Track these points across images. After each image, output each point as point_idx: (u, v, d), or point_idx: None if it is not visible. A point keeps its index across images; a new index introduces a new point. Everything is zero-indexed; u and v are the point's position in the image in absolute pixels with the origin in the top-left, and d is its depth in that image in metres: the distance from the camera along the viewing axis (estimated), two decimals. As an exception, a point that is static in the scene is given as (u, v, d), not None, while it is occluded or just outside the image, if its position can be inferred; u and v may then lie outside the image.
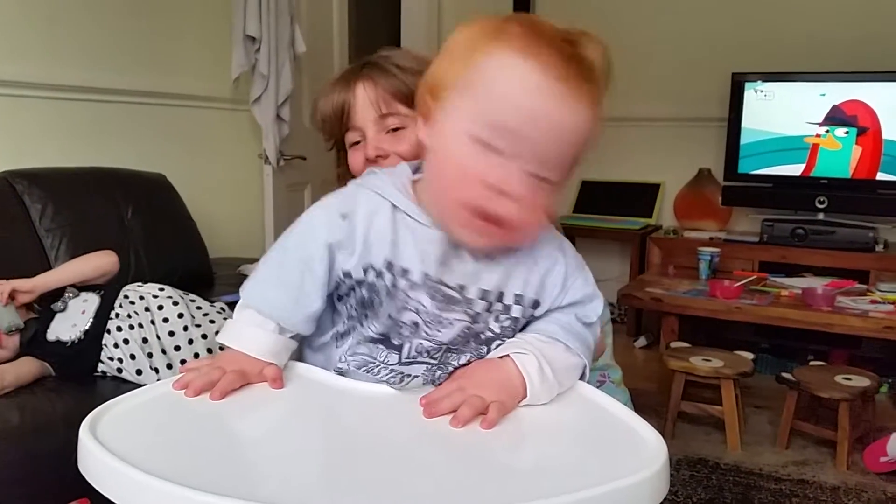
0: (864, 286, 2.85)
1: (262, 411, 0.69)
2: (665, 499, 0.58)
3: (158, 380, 1.58)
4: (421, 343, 0.72)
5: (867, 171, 3.13)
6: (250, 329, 0.73)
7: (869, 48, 3.17)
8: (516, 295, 0.72)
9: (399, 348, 0.72)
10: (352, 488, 0.55)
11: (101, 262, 1.80)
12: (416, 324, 0.71)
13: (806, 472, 2.18)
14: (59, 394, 1.57)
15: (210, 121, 2.92)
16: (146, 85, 2.61)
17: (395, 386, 0.73)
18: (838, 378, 2.26)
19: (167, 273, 2.11)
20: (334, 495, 0.54)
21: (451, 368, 0.73)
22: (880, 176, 3.12)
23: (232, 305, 1.88)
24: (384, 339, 0.73)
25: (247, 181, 3.07)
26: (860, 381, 2.24)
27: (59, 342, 1.65)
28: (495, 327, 0.73)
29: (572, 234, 3.50)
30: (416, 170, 0.75)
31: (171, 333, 1.67)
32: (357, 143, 1.07)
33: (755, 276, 2.96)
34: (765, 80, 3.28)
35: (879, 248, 3.07)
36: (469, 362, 0.73)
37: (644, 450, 0.62)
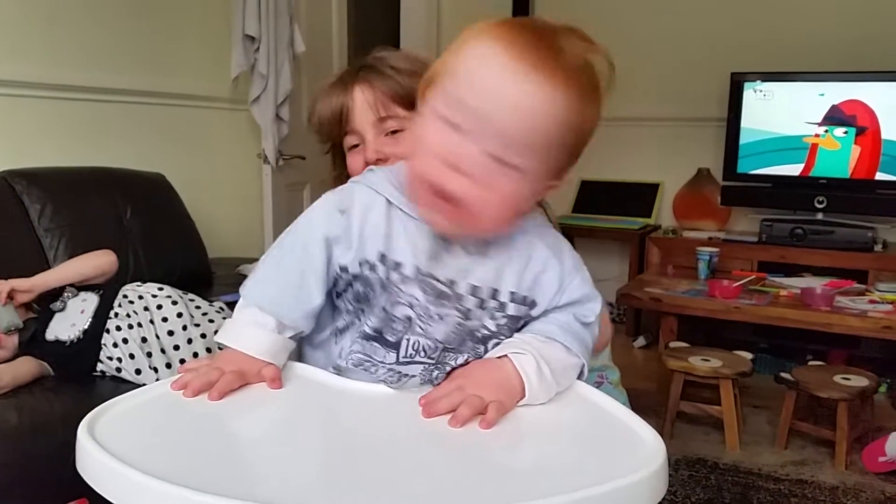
0: (863, 286, 2.85)
1: (260, 412, 0.69)
2: (664, 499, 0.58)
3: (157, 379, 1.59)
4: (417, 341, 0.72)
5: (866, 170, 3.14)
6: (249, 329, 0.73)
7: (868, 48, 3.18)
8: (511, 293, 0.73)
9: (396, 347, 0.73)
10: (350, 488, 0.55)
11: (100, 262, 1.80)
12: (409, 318, 0.72)
13: (804, 471, 2.18)
14: (57, 394, 1.57)
15: (209, 120, 2.92)
16: (145, 85, 2.61)
17: (393, 385, 0.73)
18: (837, 378, 2.26)
19: (166, 273, 2.11)
20: (333, 495, 0.54)
21: (448, 368, 0.73)
22: (879, 176, 3.12)
23: (231, 305, 1.89)
24: (380, 337, 0.73)
25: (246, 181, 3.07)
26: (859, 381, 2.24)
27: (57, 342, 1.65)
28: (491, 325, 0.73)
29: (571, 233, 3.50)
30: None
31: (171, 333, 1.67)
32: (356, 146, 1.07)
33: (754, 276, 2.96)
34: (764, 80, 3.28)
35: (878, 247, 3.07)
36: (467, 362, 0.73)
37: (642, 449, 0.62)
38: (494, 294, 0.72)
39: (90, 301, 1.71)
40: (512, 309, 0.73)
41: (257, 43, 2.80)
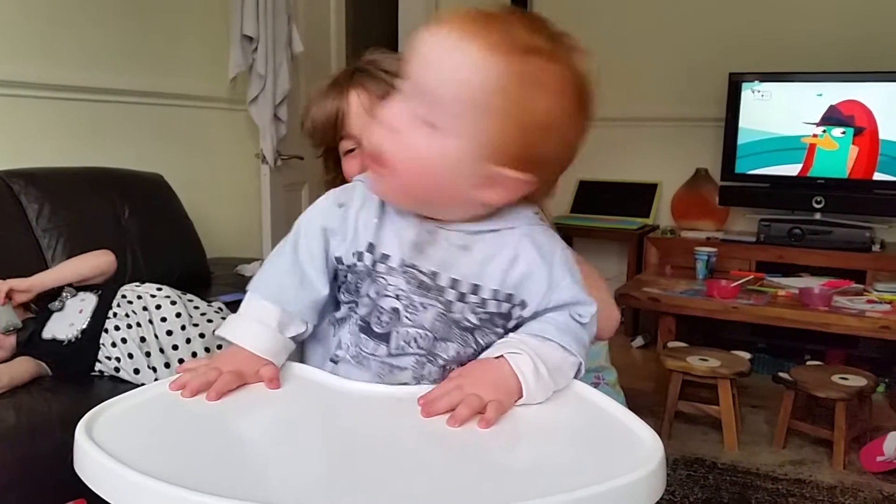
0: (861, 286, 2.85)
1: (258, 412, 0.69)
2: (662, 498, 0.58)
3: (156, 379, 1.59)
4: (407, 332, 0.73)
5: (864, 171, 3.14)
6: (251, 324, 0.74)
7: (866, 48, 3.18)
8: (493, 290, 0.73)
9: (386, 339, 0.73)
10: (349, 488, 0.55)
11: (98, 262, 1.80)
12: (395, 310, 0.73)
13: (803, 471, 2.18)
14: (55, 394, 1.57)
15: (207, 121, 2.92)
16: (143, 85, 2.61)
17: (386, 378, 0.74)
18: (835, 378, 2.26)
19: (165, 273, 2.11)
20: (332, 495, 0.54)
21: (440, 361, 0.73)
22: (877, 176, 3.12)
23: (229, 305, 1.89)
24: (369, 329, 0.74)
25: (244, 181, 3.07)
26: (857, 381, 2.24)
27: (55, 340, 1.65)
28: (473, 318, 0.73)
29: (570, 233, 3.51)
30: None
31: (169, 333, 1.67)
32: (352, 150, 1.07)
33: (752, 276, 2.97)
34: (762, 81, 3.29)
35: (876, 247, 3.08)
36: (458, 354, 0.74)
37: (640, 449, 0.62)
38: (475, 289, 0.73)
39: (88, 301, 1.71)
40: (493, 306, 0.73)
41: (255, 43, 2.80)
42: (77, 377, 1.65)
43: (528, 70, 0.66)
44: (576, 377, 0.75)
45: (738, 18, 3.48)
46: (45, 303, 1.71)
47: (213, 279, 2.47)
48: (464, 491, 0.55)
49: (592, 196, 3.77)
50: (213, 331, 1.70)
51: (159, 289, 1.76)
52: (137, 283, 1.78)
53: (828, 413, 2.26)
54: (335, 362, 0.76)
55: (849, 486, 2.09)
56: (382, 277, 0.73)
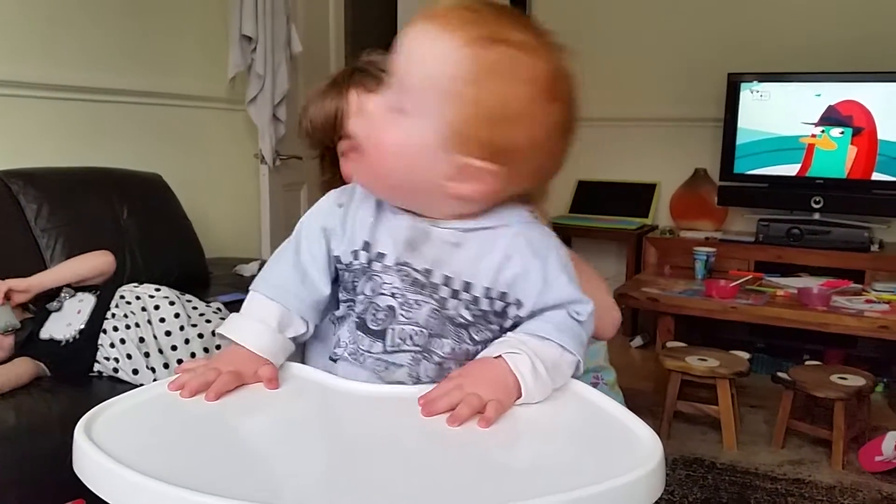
0: (860, 286, 2.86)
1: (257, 412, 0.69)
2: (661, 498, 0.58)
3: (155, 379, 1.59)
4: (403, 329, 0.73)
5: (862, 171, 3.14)
6: (252, 323, 0.74)
7: (864, 48, 3.19)
8: (486, 288, 0.73)
9: (382, 336, 0.73)
10: (348, 488, 0.55)
11: (97, 263, 1.80)
12: (391, 307, 0.73)
13: (801, 471, 2.18)
14: (54, 394, 1.57)
15: (206, 121, 2.92)
16: (142, 85, 2.61)
17: (382, 375, 0.74)
18: (834, 377, 2.27)
19: (163, 273, 2.11)
20: (331, 495, 0.54)
21: (435, 358, 0.74)
22: (875, 176, 3.13)
23: (228, 305, 1.89)
24: (365, 326, 0.74)
25: (243, 181, 3.07)
26: (855, 381, 2.24)
27: (52, 341, 1.65)
28: (467, 315, 0.73)
29: (568, 234, 3.51)
30: None
31: (168, 333, 1.67)
32: None
33: (751, 276, 2.97)
34: (760, 81, 3.29)
35: (874, 247, 3.08)
36: (453, 350, 0.74)
37: (639, 448, 0.62)
38: (467, 287, 0.73)
39: (87, 301, 1.71)
40: (485, 304, 0.73)
41: (254, 43, 2.80)
42: (75, 377, 1.64)
43: (499, 59, 0.66)
44: (574, 375, 0.75)
45: (737, 19, 3.48)
46: (43, 303, 1.71)
47: (211, 279, 2.47)
48: (463, 490, 0.56)
49: (591, 196, 3.77)
50: (213, 331, 1.70)
51: (158, 289, 1.76)
52: (136, 284, 1.78)
53: (826, 413, 2.26)
54: (334, 360, 0.76)
55: (847, 486, 2.09)
56: (378, 275, 0.73)
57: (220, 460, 0.58)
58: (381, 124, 0.70)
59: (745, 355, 2.48)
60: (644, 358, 3.21)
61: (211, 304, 1.81)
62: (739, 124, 3.32)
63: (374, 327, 0.74)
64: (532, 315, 0.74)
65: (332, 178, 1.11)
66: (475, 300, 0.73)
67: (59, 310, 1.70)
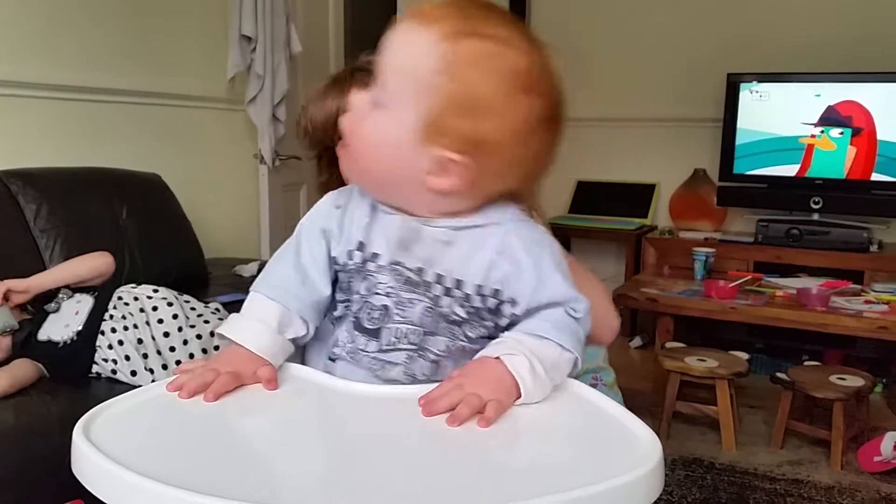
0: (859, 286, 2.86)
1: (256, 412, 0.68)
2: (660, 498, 0.58)
3: (153, 380, 1.58)
4: (398, 328, 0.73)
5: (862, 171, 3.15)
6: (252, 323, 0.74)
7: (864, 49, 3.19)
8: (477, 286, 0.73)
9: (377, 335, 0.74)
10: (348, 488, 0.55)
11: (96, 263, 1.80)
12: (385, 307, 0.73)
13: (800, 471, 2.18)
14: (53, 396, 1.57)
15: (205, 121, 2.92)
16: (142, 85, 2.61)
17: (378, 373, 0.74)
18: (833, 378, 2.27)
19: (162, 273, 2.11)
20: (331, 495, 0.54)
21: (430, 356, 0.74)
22: (875, 176, 3.13)
23: (227, 306, 1.89)
24: (360, 325, 0.74)
25: (242, 181, 3.07)
26: (854, 381, 2.25)
27: (50, 342, 1.64)
28: (461, 312, 0.74)
29: (568, 234, 3.51)
30: None
31: (166, 334, 1.67)
32: None
33: (750, 277, 2.97)
34: (760, 81, 3.29)
35: (874, 248, 3.08)
36: (447, 348, 0.74)
37: (638, 448, 0.62)
38: (459, 284, 0.73)
39: (85, 302, 1.71)
40: (477, 301, 0.73)
41: (254, 43, 2.80)
42: (74, 379, 1.64)
43: (475, 51, 0.67)
44: (572, 372, 0.75)
45: (736, 19, 3.48)
46: (41, 304, 1.71)
47: (210, 279, 2.47)
48: (463, 490, 0.56)
49: (590, 196, 3.78)
50: (211, 332, 1.69)
51: (156, 290, 1.76)
52: (134, 285, 1.78)
53: (825, 413, 2.26)
54: (333, 360, 0.76)
55: (846, 486, 2.09)
56: (372, 275, 0.74)
57: (218, 461, 0.58)
58: (362, 118, 0.72)
59: (744, 356, 2.48)
60: (643, 358, 3.21)
61: (209, 305, 1.81)
62: (739, 124, 3.32)
63: (369, 326, 0.74)
64: (528, 313, 0.74)
65: (329, 178, 1.10)
66: (467, 297, 0.73)
67: (56, 311, 1.69)
